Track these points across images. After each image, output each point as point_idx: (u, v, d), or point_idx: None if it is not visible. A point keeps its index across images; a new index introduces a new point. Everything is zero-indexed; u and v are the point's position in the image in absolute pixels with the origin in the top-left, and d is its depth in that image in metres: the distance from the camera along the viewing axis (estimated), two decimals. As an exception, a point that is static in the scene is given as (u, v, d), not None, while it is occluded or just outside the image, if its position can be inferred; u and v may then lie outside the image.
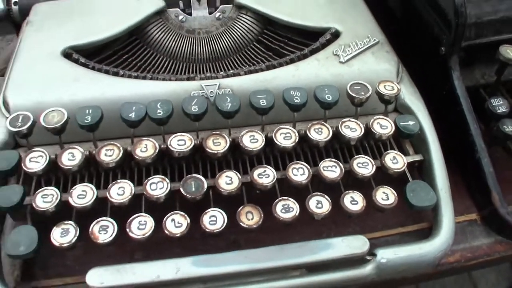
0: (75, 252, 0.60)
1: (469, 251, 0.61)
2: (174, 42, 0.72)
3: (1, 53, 2.02)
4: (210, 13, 0.76)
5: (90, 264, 0.54)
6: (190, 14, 0.76)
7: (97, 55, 0.68)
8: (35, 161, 0.54)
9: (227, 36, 0.73)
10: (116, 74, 0.62)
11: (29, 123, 0.54)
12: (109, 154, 0.54)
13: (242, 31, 0.73)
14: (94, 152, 0.56)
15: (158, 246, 0.58)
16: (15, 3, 0.79)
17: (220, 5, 0.76)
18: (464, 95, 0.63)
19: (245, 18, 0.74)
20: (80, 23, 0.70)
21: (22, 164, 0.54)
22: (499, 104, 0.62)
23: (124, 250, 0.60)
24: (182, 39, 0.73)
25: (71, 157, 0.54)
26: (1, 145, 0.58)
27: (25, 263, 0.60)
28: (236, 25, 0.73)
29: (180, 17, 0.75)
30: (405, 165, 0.57)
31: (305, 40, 0.70)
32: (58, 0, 0.76)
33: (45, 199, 0.53)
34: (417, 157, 0.61)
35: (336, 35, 0.68)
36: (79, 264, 0.60)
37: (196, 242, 0.59)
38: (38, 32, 0.69)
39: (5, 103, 0.59)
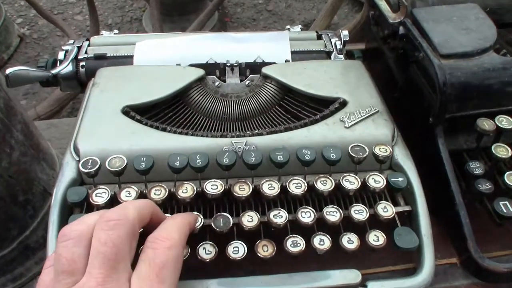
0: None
1: (449, 290, 0.71)
2: (210, 104, 0.82)
3: (49, 97, 2.23)
4: (241, 80, 0.87)
5: None
6: (225, 81, 0.87)
7: (148, 113, 0.78)
8: (100, 196, 0.65)
9: (254, 100, 0.83)
10: (164, 129, 0.72)
11: (97, 166, 0.66)
12: (157, 193, 0.66)
13: (267, 96, 0.83)
14: (145, 191, 0.67)
15: (188, 272, 0.65)
16: (82, 66, 0.90)
17: (250, 75, 0.87)
18: (447, 158, 0.73)
19: (270, 86, 0.84)
20: (136, 86, 0.80)
21: (90, 198, 0.65)
22: (475, 167, 0.72)
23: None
24: (217, 101, 0.83)
25: (128, 194, 0.65)
26: (71, 182, 0.69)
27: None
28: (262, 91, 0.84)
29: (216, 83, 0.86)
30: (394, 213, 0.67)
31: (318, 106, 0.79)
32: (118, 66, 0.87)
33: (106, 227, 0.66)
34: (407, 208, 0.70)
35: (343, 104, 0.78)
36: None
37: (219, 270, 0.66)
38: (102, 92, 0.80)
39: (76, 149, 0.71)
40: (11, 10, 3.10)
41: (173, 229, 0.54)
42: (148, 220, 0.55)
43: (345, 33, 0.96)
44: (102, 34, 0.99)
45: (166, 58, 0.89)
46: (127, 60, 0.90)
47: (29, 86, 2.48)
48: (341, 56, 0.94)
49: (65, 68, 0.90)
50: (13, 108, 1.24)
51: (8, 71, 0.84)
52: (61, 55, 0.92)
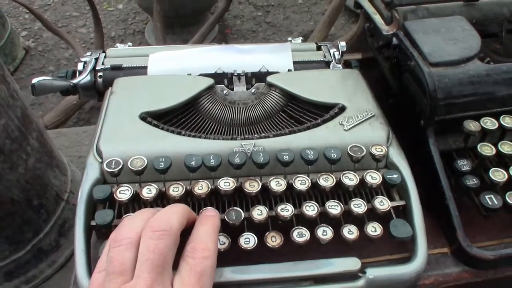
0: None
1: (441, 277, 0.77)
2: (219, 111, 0.88)
3: (56, 107, 2.29)
4: (247, 89, 0.93)
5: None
6: (232, 89, 0.92)
7: (163, 118, 0.84)
8: (123, 193, 0.71)
9: (260, 107, 0.89)
10: (179, 133, 0.79)
11: (120, 166, 0.72)
12: (175, 190, 0.72)
13: (271, 103, 0.89)
14: (164, 189, 0.73)
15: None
16: (100, 76, 0.97)
17: (255, 83, 0.93)
18: (437, 157, 0.79)
19: (274, 94, 0.90)
20: (151, 95, 0.86)
21: (114, 195, 0.71)
22: (463, 164, 0.78)
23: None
24: (226, 108, 0.89)
25: (149, 192, 0.71)
26: (95, 181, 0.74)
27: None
28: (267, 98, 0.90)
29: (224, 92, 0.92)
30: (389, 207, 0.73)
31: (319, 111, 0.85)
32: (133, 76, 0.93)
33: (129, 221, 0.71)
34: (401, 202, 0.76)
35: (342, 109, 0.84)
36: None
37: (232, 259, 0.70)
38: (120, 100, 0.86)
39: (98, 151, 0.76)
40: (16, 23, 3.18)
41: (209, 239, 0.61)
42: (185, 225, 0.62)
43: (342, 44, 1.03)
44: (117, 47, 1.06)
45: (178, 68, 0.95)
46: (141, 70, 0.96)
47: (34, 97, 2.55)
48: (339, 66, 1.00)
49: (84, 78, 0.97)
50: (29, 117, 1.31)
51: (34, 80, 0.91)
52: (80, 66, 0.98)
